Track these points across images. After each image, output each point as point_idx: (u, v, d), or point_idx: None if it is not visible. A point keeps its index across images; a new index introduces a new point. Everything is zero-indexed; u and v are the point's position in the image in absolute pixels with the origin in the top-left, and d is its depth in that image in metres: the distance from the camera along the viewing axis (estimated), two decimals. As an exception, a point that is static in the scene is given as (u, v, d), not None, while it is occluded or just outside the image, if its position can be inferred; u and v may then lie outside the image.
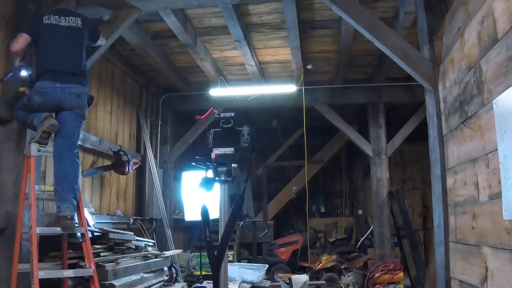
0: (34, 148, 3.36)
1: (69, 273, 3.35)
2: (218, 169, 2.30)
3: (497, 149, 2.24)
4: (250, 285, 5.27)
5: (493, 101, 2.31)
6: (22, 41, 3.39)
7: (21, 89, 3.57)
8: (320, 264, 6.77)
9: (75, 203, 3.42)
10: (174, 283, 5.63)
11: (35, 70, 3.50)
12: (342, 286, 6.40)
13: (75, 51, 3.60)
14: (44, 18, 3.51)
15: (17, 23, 3.84)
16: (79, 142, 4.56)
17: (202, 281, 5.64)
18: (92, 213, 4.86)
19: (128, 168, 5.44)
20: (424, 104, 3.80)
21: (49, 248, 3.66)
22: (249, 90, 6.91)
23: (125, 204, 6.34)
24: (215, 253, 2.26)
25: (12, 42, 3.40)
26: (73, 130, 3.53)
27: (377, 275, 6.23)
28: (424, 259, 6.53)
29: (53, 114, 3.47)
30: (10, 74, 3.54)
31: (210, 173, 2.33)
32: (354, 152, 9.30)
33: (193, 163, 2.40)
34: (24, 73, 3.51)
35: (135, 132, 6.79)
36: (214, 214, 2.44)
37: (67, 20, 3.57)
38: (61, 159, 3.41)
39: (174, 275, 5.89)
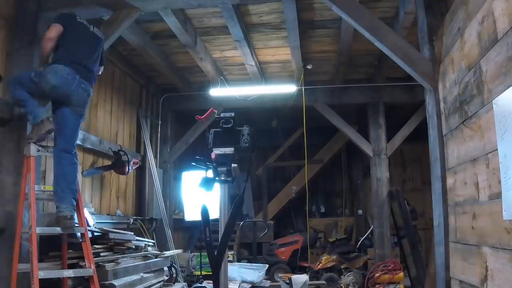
0: (33, 148, 3.37)
1: (69, 273, 3.36)
2: (218, 169, 2.30)
3: (497, 149, 2.24)
4: (250, 285, 5.27)
5: (493, 101, 2.30)
6: (57, 29, 3.47)
7: None
8: (320, 264, 6.77)
9: (74, 203, 3.43)
10: (174, 283, 5.64)
11: (57, 54, 3.51)
12: (342, 286, 6.40)
13: (96, 56, 3.72)
14: (77, 17, 3.63)
15: (17, 23, 3.84)
16: (79, 142, 4.58)
17: (202, 281, 5.65)
18: (92, 213, 4.86)
19: (128, 168, 5.44)
20: (424, 104, 3.80)
21: (49, 248, 3.67)
22: (249, 90, 6.91)
23: (125, 204, 6.34)
24: (215, 253, 2.25)
25: (48, 31, 3.47)
26: (74, 130, 3.56)
27: (377, 275, 6.23)
28: (424, 259, 6.53)
29: (51, 117, 3.49)
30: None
31: (210, 173, 2.32)
32: (354, 152, 9.31)
33: (193, 163, 2.39)
34: None
35: (135, 132, 6.79)
36: (214, 214, 2.44)
37: (93, 28, 3.74)
38: (60, 160, 3.43)
39: (174, 275, 5.89)
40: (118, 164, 5.41)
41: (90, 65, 3.62)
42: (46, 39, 3.46)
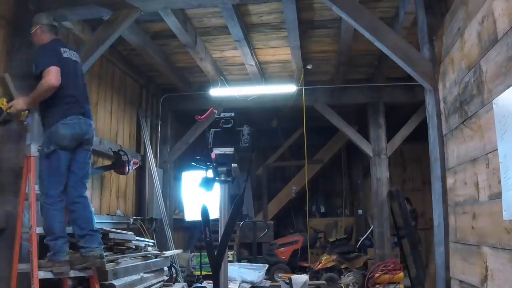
0: (34, 148, 3.36)
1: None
2: (218, 169, 2.30)
3: (497, 149, 2.24)
4: (250, 285, 5.27)
5: (493, 101, 2.30)
6: (58, 73, 3.22)
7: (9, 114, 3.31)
8: (320, 264, 6.77)
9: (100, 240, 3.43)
10: (174, 283, 5.64)
11: (53, 104, 3.31)
12: (342, 286, 6.40)
13: (84, 85, 3.61)
14: (62, 51, 3.41)
15: (17, 23, 3.84)
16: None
17: (202, 281, 5.64)
18: (92, 213, 4.85)
19: (128, 168, 5.44)
20: (424, 104, 3.80)
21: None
22: (249, 90, 6.90)
23: (125, 204, 6.34)
24: (215, 253, 2.25)
25: (48, 77, 3.18)
26: (87, 172, 3.56)
27: (377, 275, 6.23)
28: (424, 259, 6.53)
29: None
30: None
31: (210, 173, 2.33)
32: (354, 152, 9.31)
33: (193, 163, 2.39)
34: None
35: (135, 132, 6.79)
36: (214, 214, 2.44)
37: (73, 55, 3.54)
38: (75, 205, 3.37)
39: (174, 275, 5.89)
40: (118, 164, 5.41)
41: (84, 97, 3.51)
42: (49, 87, 3.18)
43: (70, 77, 3.38)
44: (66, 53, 3.44)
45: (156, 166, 7.03)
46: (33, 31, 3.50)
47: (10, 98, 3.45)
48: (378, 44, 3.76)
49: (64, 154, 3.32)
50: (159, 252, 5.24)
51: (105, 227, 4.52)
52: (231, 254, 7.02)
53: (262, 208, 9.18)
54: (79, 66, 3.58)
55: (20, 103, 3.27)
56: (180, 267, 6.47)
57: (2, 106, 3.27)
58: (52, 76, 3.19)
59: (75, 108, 3.36)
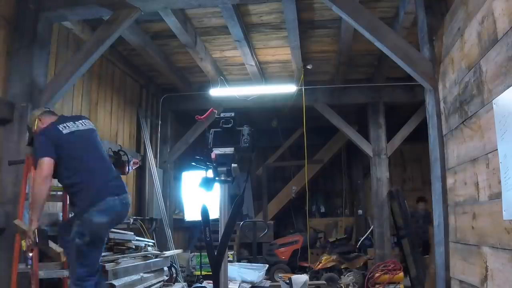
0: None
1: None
2: (218, 169, 2.29)
3: (497, 149, 2.24)
4: (250, 285, 5.27)
5: (493, 101, 2.30)
6: (49, 163, 2.81)
7: None
8: (320, 264, 6.77)
9: None
10: (174, 283, 5.64)
11: (79, 186, 2.95)
12: (342, 286, 6.40)
13: (104, 152, 3.22)
14: (60, 128, 3.01)
15: (17, 23, 3.85)
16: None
17: (202, 281, 5.64)
18: (92, 213, 4.85)
19: (128, 168, 5.41)
20: (424, 104, 3.80)
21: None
22: (249, 90, 6.91)
23: (125, 204, 6.33)
24: (215, 253, 2.25)
25: (38, 171, 2.79)
26: (104, 245, 3.21)
27: (377, 275, 6.22)
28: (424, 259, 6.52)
29: None
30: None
31: (210, 173, 2.32)
32: (354, 152, 9.32)
33: (193, 163, 2.39)
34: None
35: (135, 132, 6.79)
36: (214, 214, 2.44)
37: (82, 124, 3.15)
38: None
39: (174, 275, 5.89)
40: (118, 164, 5.37)
41: (109, 168, 3.15)
42: (41, 179, 2.77)
43: (85, 150, 3.04)
44: (67, 128, 3.03)
45: (156, 166, 7.03)
46: (34, 128, 3.11)
47: None
48: (378, 44, 3.76)
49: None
50: (159, 252, 5.25)
51: (105, 227, 4.51)
52: (231, 254, 7.02)
53: (262, 208, 9.19)
54: (92, 134, 3.19)
55: (31, 225, 2.83)
56: (180, 267, 6.48)
57: (24, 248, 2.93)
58: (42, 168, 2.79)
59: (106, 187, 2.97)
